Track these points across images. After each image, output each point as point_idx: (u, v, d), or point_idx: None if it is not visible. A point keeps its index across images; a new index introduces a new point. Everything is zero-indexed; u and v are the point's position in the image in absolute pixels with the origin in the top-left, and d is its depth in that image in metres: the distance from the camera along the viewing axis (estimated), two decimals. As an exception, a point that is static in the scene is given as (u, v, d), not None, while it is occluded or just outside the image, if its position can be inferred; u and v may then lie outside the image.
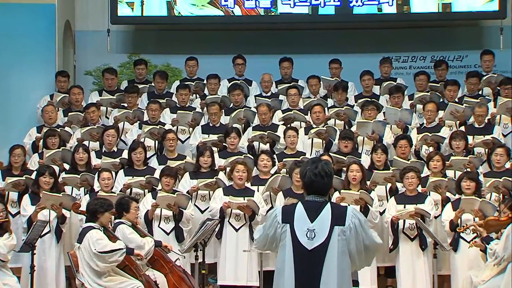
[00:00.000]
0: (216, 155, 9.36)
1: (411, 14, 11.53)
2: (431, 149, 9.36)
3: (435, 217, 8.45)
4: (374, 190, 8.62)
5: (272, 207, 8.60)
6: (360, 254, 4.76)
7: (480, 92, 10.64)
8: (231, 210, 8.48)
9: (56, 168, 9.00)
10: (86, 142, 9.64)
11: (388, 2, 11.49)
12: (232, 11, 11.62)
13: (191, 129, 10.11)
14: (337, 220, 4.70)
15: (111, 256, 7.26)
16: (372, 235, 4.81)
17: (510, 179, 8.55)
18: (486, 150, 9.34)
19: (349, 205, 7.71)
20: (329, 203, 4.77)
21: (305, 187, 4.83)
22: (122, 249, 7.29)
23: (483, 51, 11.13)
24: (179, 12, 11.66)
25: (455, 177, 8.89)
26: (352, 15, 11.56)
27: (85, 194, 8.79)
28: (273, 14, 11.64)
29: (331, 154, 9.10)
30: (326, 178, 4.76)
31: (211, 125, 10.01)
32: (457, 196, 8.51)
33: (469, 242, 7.72)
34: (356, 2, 11.53)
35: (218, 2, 11.57)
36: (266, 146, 9.64)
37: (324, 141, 9.62)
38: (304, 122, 10.04)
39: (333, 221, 4.69)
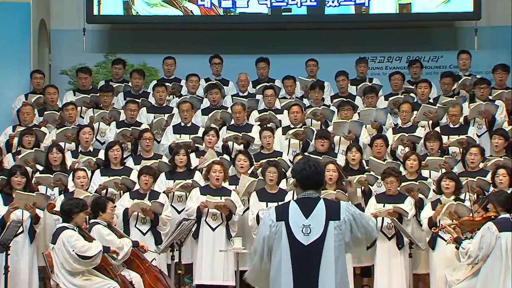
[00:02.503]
0: (193, 154, 9.35)
1: (369, 15, 11.58)
2: (407, 149, 9.43)
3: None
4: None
5: (248, 208, 8.64)
6: (356, 241, 4.79)
7: (457, 93, 10.72)
8: (208, 209, 8.47)
9: (29, 170, 8.91)
10: (61, 143, 9.57)
11: (364, 3, 11.55)
12: (191, 11, 11.60)
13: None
14: (332, 215, 4.72)
15: (91, 262, 7.26)
16: (369, 225, 4.84)
17: (484, 178, 8.64)
18: (461, 149, 9.42)
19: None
20: (322, 199, 4.79)
21: (300, 182, 4.81)
22: (100, 251, 7.28)
23: (460, 51, 11.20)
24: (137, 12, 11.62)
25: (430, 177, 8.97)
26: (319, 15, 11.58)
27: (59, 194, 8.73)
28: (232, 14, 11.64)
29: (306, 154, 9.12)
30: (319, 168, 4.81)
31: (182, 124, 9.96)
32: (431, 195, 8.59)
33: (446, 241, 7.77)
34: (333, 2, 11.57)
35: (178, 2, 11.54)
36: (241, 147, 9.64)
37: (301, 142, 9.64)
38: (277, 124, 10.03)
39: (328, 216, 4.71)
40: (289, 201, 4.84)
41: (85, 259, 7.22)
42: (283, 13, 11.58)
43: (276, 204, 7.85)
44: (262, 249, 4.79)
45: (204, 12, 11.63)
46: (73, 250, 7.19)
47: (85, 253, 7.21)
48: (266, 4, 11.57)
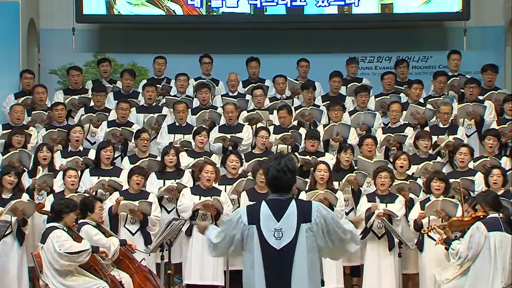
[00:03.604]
0: (184, 153, 9.33)
1: (352, 15, 11.58)
2: (394, 148, 9.46)
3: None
4: (340, 190, 8.67)
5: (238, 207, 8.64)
6: (328, 248, 4.72)
7: (446, 93, 10.75)
8: (198, 209, 8.46)
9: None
10: (50, 143, 9.55)
11: (354, 3, 11.55)
12: (173, 10, 11.58)
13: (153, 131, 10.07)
14: (303, 217, 4.65)
15: (77, 257, 7.23)
16: (344, 227, 4.75)
17: (468, 178, 8.65)
18: (447, 152, 9.45)
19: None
20: (294, 200, 4.72)
21: (268, 184, 4.77)
22: (88, 249, 7.26)
23: (450, 51, 11.23)
24: (119, 12, 11.59)
25: (419, 177, 8.99)
26: (302, 15, 11.56)
27: (47, 195, 8.68)
28: (215, 14, 11.62)
29: (296, 154, 9.13)
30: (289, 174, 4.70)
31: (177, 124, 9.97)
32: (421, 196, 8.61)
33: (435, 243, 7.79)
34: (323, 2, 11.58)
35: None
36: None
37: (290, 146, 9.64)
38: (267, 121, 10.02)
39: (300, 219, 4.64)
40: (261, 202, 4.76)
41: (70, 254, 7.19)
42: (265, 13, 11.55)
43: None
44: (229, 244, 4.73)
45: (186, 12, 11.61)
46: (60, 249, 7.17)
47: (69, 250, 7.19)
48: (256, 4, 11.56)
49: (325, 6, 11.55)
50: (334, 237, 4.71)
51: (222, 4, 11.56)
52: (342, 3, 11.54)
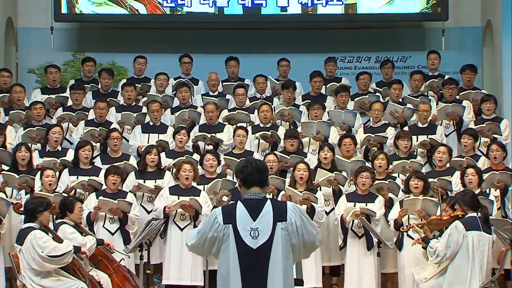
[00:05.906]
0: (162, 154, 9.31)
1: (316, 15, 11.59)
2: (374, 149, 9.48)
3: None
4: (320, 190, 8.68)
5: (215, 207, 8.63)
6: (300, 247, 4.80)
7: (426, 94, 10.80)
8: (176, 209, 8.45)
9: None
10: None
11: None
12: (137, 10, 11.55)
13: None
14: (279, 216, 4.71)
15: (61, 260, 7.20)
16: (313, 232, 4.84)
17: (445, 178, 8.70)
18: (425, 151, 9.49)
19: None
20: (269, 200, 4.78)
21: (243, 180, 4.81)
22: (71, 251, 7.23)
23: (429, 51, 11.28)
24: (81, 11, 11.53)
25: (398, 176, 9.02)
26: (260, 15, 11.59)
27: (26, 194, 8.61)
28: (179, 13, 11.60)
29: (276, 153, 9.14)
30: (261, 165, 4.84)
31: (151, 123, 9.91)
32: (401, 195, 8.64)
33: (412, 243, 7.83)
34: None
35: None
36: (210, 147, 9.62)
37: (269, 144, 9.65)
38: (247, 122, 10.03)
39: (275, 218, 4.70)
40: (236, 202, 4.81)
41: (55, 257, 7.16)
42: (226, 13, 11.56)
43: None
44: (204, 244, 4.78)
45: (150, 11, 11.56)
46: (42, 252, 7.12)
47: (53, 253, 7.16)
48: (244, 3, 11.53)
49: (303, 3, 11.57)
50: (306, 234, 4.78)
51: (212, 4, 11.50)
52: (340, 3, 11.53)
